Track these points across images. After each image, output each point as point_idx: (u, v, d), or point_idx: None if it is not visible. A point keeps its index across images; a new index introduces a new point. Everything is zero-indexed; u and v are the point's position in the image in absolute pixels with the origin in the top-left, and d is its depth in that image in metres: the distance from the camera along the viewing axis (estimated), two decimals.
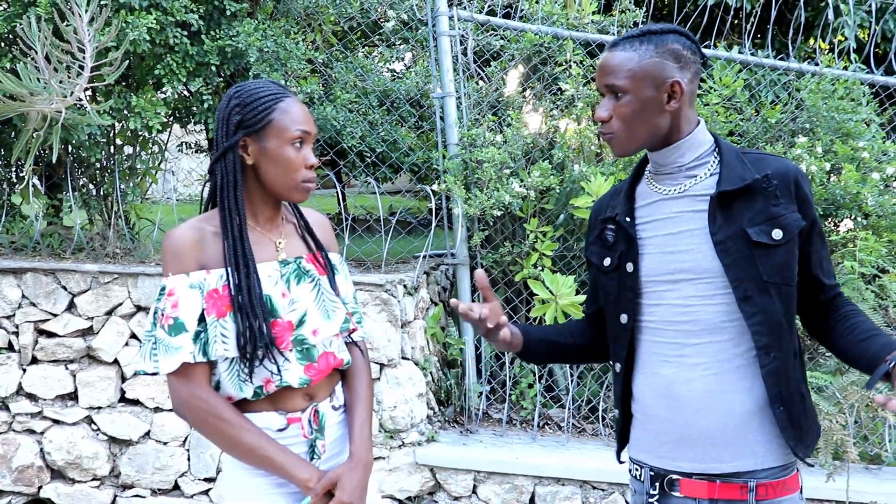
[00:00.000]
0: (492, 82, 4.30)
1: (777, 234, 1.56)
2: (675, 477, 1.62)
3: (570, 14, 4.30)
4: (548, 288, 3.60)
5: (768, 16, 4.76)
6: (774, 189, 1.58)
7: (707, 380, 1.59)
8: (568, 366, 4.19)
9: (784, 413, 1.56)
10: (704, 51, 4.31)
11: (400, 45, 4.43)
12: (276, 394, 1.66)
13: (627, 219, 1.69)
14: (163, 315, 1.58)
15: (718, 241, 1.57)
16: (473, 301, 4.17)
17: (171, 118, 4.20)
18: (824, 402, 3.29)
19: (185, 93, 4.24)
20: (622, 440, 1.80)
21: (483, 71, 4.47)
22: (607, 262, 1.73)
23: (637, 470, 1.71)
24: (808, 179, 1.65)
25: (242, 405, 1.66)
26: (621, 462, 1.82)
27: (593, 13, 4.32)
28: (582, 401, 4.20)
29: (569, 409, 4.09)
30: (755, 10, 4.99)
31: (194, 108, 3.95)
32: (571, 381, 4.18)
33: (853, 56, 4.68)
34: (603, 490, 3.56)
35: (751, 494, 1.57)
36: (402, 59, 4.45)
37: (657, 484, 1.65)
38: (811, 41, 5.61)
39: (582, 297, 3.63)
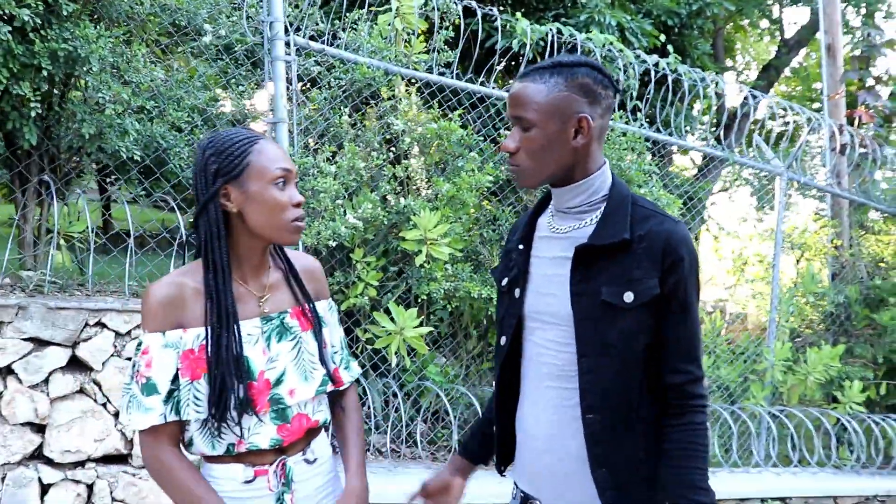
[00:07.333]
0: (322, 111, 4.31)
1: (628, 297, 1.52)
2: (536, 502, 1.70)
3: (397, 50, 4.44)
4: (392, 319, 3.68)
5: None
6: (642, 251, 1.53)
7: (550, 424, 1.63)
8: (381, 392, 4.30)
9: (606, 476, 1.56)
10: (491, 91, 4.63)
11: (237, 67, 4.26)
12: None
13: (521, 247, 1.72)
14: (138, 372, 1.55)
15: (575, 293, 1.57)
16: None
17: None
18: None
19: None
20: (501, 456, 1.84)
21: (307, 99, 4.45)
22: (504, 282, 1.76)
23: (514, 489, 1.79)
24: (690, 249, 1.56)
25: (210, 457, 1.63)
26: (503, 475, 1.90)
27: (423, 52, 4.49)
28: (401, 426, 4.32)
29: (389, 434, 4.20)
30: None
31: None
32: (388, 407, 4.29)
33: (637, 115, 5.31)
34: None
35: None
36: (239, 83, 4.29)
37: None
38: None
39: (425, 329, 3.76)
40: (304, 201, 1.65)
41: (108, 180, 7.22)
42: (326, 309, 1.82)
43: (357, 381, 1.90)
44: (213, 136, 1.61)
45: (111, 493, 3.16)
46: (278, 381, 1.63)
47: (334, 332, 1.83)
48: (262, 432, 1.62)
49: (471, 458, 1.93)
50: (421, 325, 3.79)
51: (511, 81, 5.02)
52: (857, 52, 7.82)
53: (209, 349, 1.55)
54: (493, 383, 1.81)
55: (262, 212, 1.58)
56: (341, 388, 1.82)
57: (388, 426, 4.19)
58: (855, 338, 5.90)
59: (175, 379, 1.54)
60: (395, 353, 3.70)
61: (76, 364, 3.18)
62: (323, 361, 1.73)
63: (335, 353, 1.81)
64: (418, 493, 1.91)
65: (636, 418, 1.57)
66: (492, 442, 1.85)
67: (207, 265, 1.57)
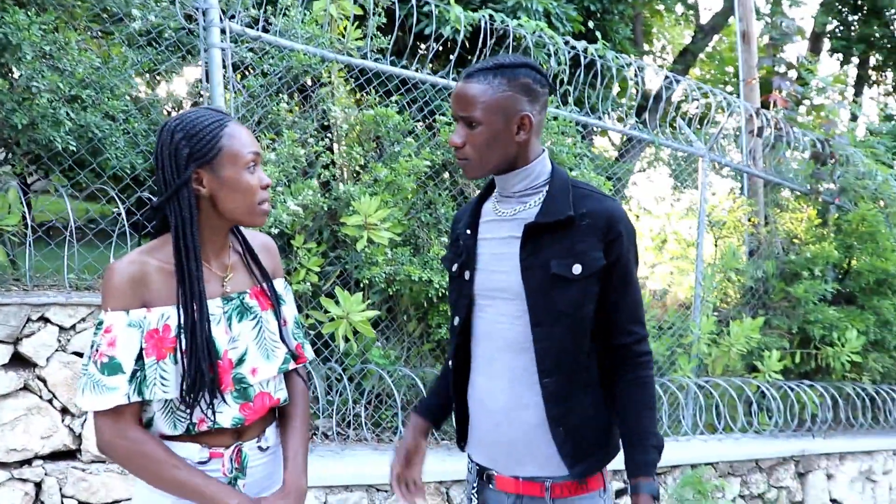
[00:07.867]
0: (260, 98, 4.28)
1: (577, 268, 1.66)
2: (492, 472, 1.81)
3: (332, 36, 4.44)
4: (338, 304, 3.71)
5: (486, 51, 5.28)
6: (585, 227, 1.68)
7: (506, 394, 1.74)
8: (324, 377, 4.34)
9: (563, 434, 1.71)
10: (426, 77, 4.69)
11: (173, 54, 4.16)
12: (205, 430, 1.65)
13: (468, 231, 1.83)
14: (97, 351, 1.52)
15: (525, 268, 1.69)
16: None
17: None
18: None
19: None
20: (461, 433, 1.94)
21: (243, 87, 4.41)
22: (454, 268, 1.86)
23: (470, 463, 1.90)
24: (628, 224, 1.74)
25: (167, 436, 1.63)
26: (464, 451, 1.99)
27: (359, 38, 4.51)
28: (346, 409, 4.37)
29: (335, 418, 4.24)
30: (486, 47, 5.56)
31: None
32: (332, 391, 4.33)
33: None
34: (386, 492, 3.79)
35: (547, 493, 1.74)
36: (173, 70, 4.21)
37: (479, 477, 1.86)
38: None
39: (371, 313, 3.82)
40: (271, 184, 1.69)
41: (26, 170, 6.93)
42: (283, 287, 1.84)
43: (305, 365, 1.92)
44: (180, 117, 1.61)
45: (60, 490, 3.12)
46: (240, 361, 1.66)
47: (290, 311, 1.85)
48: (224, 412, 1.63)
49: (427, 415, 2.02)
50: (366, 309, 3.84)
51: (432, 64, 5.08)
52: (769, 38, 8.17)
53: (182, 333, 1.55)
54: (450, 363, 1.89)
55: (234, 196, 1.60)
56: (293, 368, 1.82)
57: (332, 410, 4.23)
58: (772, 310, 6.23)
59: (139, 358, 1.53)
60: (343, 337, 3.74)
61: (19, 360, 3.11)
62: (283, 339, 1.76)
63: (294, 333, 1.84)
64: (395, 465, 1.99)
65: (586, 379, 1.74)
66: (447, 400, 1.97)
67: (179, 250, 1.57)
